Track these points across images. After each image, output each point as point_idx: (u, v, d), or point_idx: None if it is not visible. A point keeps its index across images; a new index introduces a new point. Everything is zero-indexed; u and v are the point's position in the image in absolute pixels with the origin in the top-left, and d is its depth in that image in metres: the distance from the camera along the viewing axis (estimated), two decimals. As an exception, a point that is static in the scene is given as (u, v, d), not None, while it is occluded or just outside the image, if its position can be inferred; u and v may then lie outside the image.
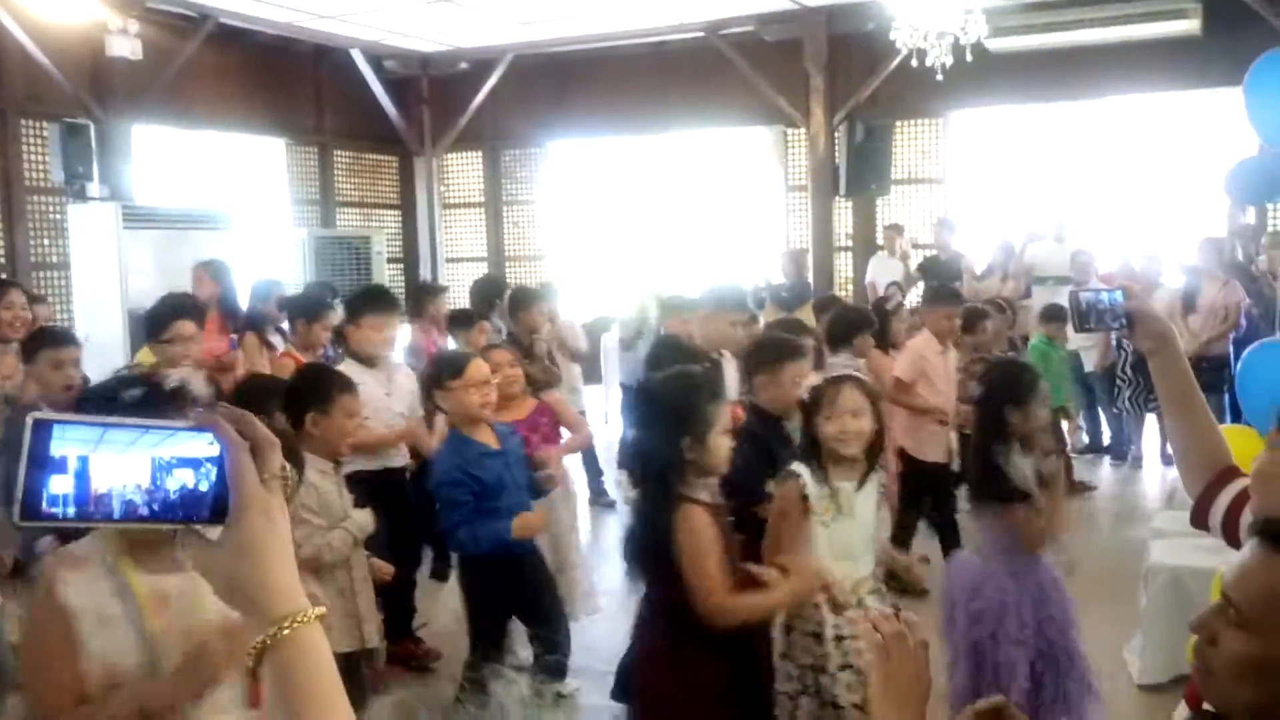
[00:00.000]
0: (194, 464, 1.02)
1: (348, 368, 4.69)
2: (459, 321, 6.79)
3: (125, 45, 9.55)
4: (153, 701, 1.91)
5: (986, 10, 8.86)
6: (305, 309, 5.93)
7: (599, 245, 14.03)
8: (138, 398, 1.91)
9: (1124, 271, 9.06)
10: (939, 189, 12.31)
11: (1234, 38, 9.07)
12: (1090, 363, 8.99)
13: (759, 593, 2.94)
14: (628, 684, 3.43)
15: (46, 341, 4.51)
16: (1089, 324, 2.19)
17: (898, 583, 5.51)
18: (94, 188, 10.15)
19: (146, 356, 5.32)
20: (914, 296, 10.68)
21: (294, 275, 12.04)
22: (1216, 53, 9.50)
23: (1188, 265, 9.00)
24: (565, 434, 5.17)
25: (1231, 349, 8.20)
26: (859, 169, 11.73)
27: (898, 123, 12.08)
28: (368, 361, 4.98)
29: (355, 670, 3.36)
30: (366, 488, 4.12)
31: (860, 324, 5.93)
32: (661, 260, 12.49)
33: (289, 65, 12.81)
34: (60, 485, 0.97)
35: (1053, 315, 8.30)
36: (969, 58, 8.84)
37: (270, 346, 6.35)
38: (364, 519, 3.61)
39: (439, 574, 5.66)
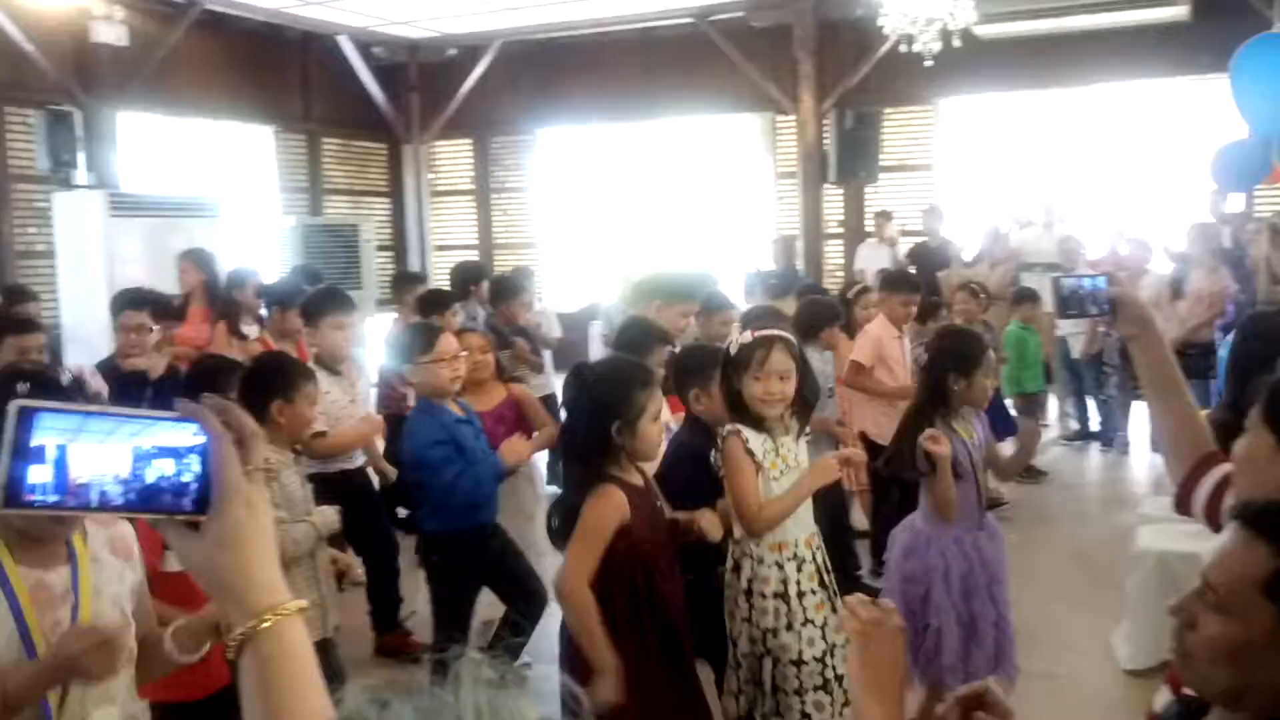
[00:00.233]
0: (176, 454, 1.02)
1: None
2: (430, 304, 6.69)
3: (110, 32, 9.52)
4: (10, 686, 1.88)
5: (974, -4, 8.86)
6: (279, 297, 5.89)
7: (588, 233, 14.01)
8: (25, 392, 1.88)
9: (1112, 258, 9.07)
10: (928, 176, 12.31)
11: (1223, 24, 9.07)
12: (1077, 349, 9.02)
13: (599, 628, 2.89)
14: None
15: (10, 329, 4.55)
16: (1072, 310, 2.19)
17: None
18: (79, 175, 10.11)
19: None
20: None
21: (282, 263, 12.02)
22: (1205, 39, 9.51)
23: (1176, 251, 9.02)
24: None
25: (1219, 335, 8.22)
26: (848, 156, 11.74)
27: (887, 109, 12.08)
28: (331, 366, 4.92)
29: (328, 656, 3.38)
30: (327, 488, 4.11)
31: (826, 317, 5.91)
32: (649, 248, 12.48)
33: (276, 52, 12.75)
34: (41, 471, 0.97)
35: (1024, 296, 8.34)
36: (957, 44, 8.84)
37: (241, 335, 6.34)
38: (330, 516, 3.60)
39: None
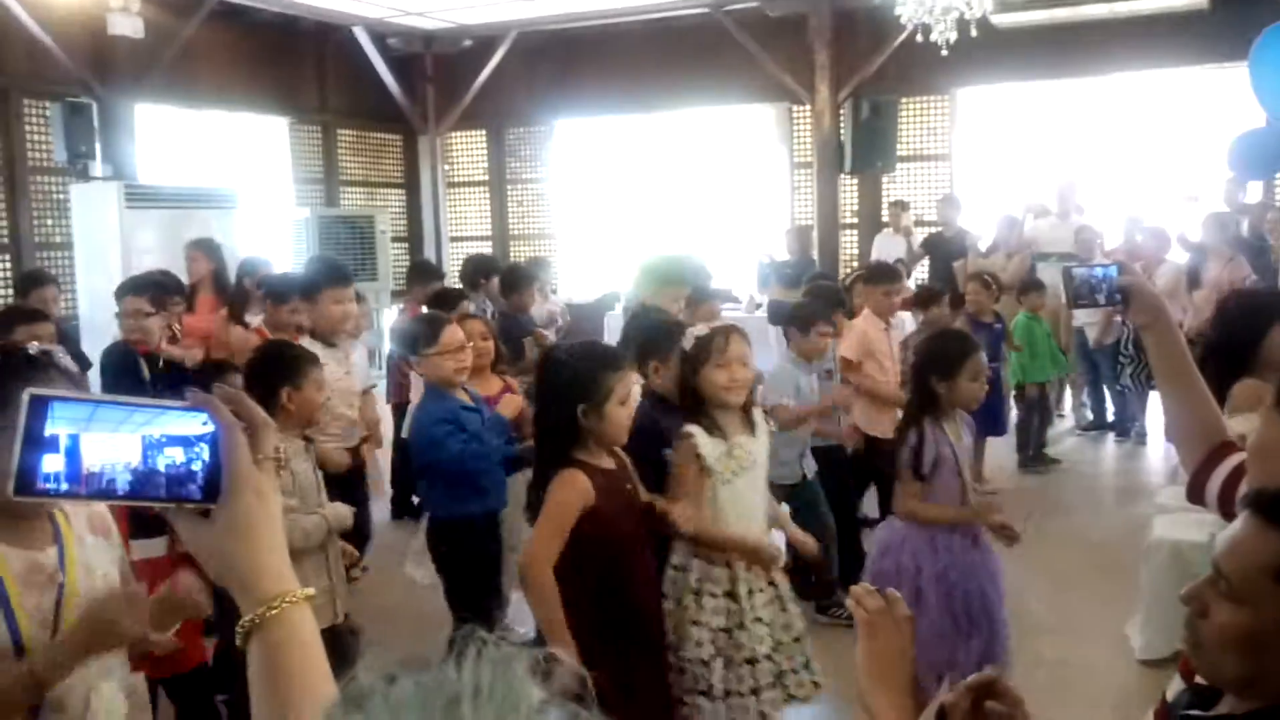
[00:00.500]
0: (186, 443, 1.03)
1: (308, 345, 4.64)
2: (440, 304, 6.67)
3: (127, 24, 9.54)
4: (40, 667, 1.88)
5: (992, -15, 8.81)
6: (275, 289, 5.87)
7: (603, 224, 14.01)
8: None
9: (1128, 248, 9.03)
10: (945, 166, 12.27)
11: (1241, 12, 9.00)
12: (1093, 339, 8.98)
13: (558, 608, 2.90)
14: None
15: (21, 318, 4.65)
16: (1084, 299, 2.18)
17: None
18: (96, 167, 10.16)
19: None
20: (919, 274, 10.69)
21: (298, 255, 12.05)
22: (1224, 27, 9.44)
23: (1193, 241, 8.97)
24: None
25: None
26: (864, 146, 11.70)
27: (903, 99, 12.03)
28: (327, 340, 4.94)
29: (339, 643, 3.40)
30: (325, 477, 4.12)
31: (821, 307, 5.80)
32: (664, 239, 12.46)
33: (291, 43, 12.78)
34: (53, 460, 0.98)
35: (1030, 286, 8.32)
36: (974, 33, 8.79)
37: (244, 323, 6.36)
38: (343, 512, 3.62)
39: None
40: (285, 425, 3.50)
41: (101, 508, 2.09)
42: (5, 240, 10.27)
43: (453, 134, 14.46)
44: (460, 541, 4.09)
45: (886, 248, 10.87)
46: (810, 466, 5.17)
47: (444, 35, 13.21)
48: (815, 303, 5.77)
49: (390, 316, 11.37)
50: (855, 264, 12.03)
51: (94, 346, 4.97)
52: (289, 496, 3.42)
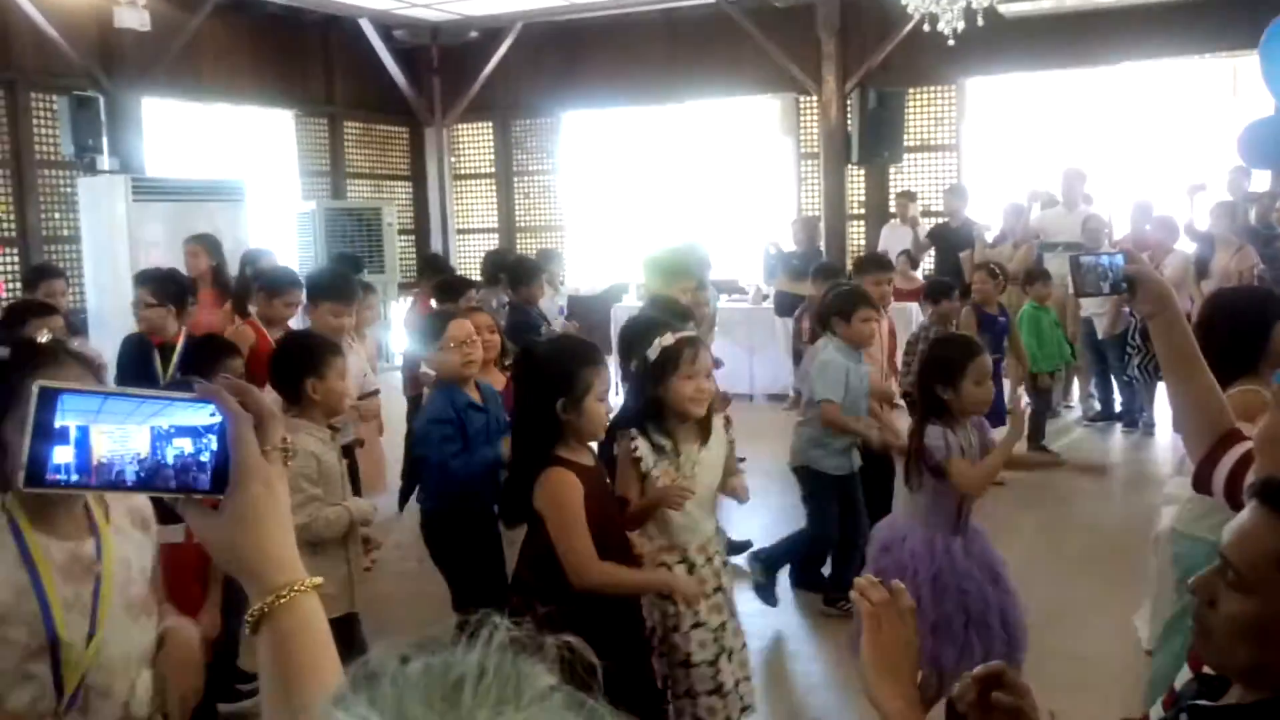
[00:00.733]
0: (195, 434, 1.04)
1: None
2: (447, 291, 6.69)
3: (133, 17, 9.55)
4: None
5: (999, -26, 8.79)
6: (269, 284, 5.85)
7: (610, 215, 14.00)
8: (4, 357, 1.89)
9: (1136, 237, 9.00)
10: (951, 156, 12.25)
11: (1251, 1, 8.97)
12: (1101, 329, 8.96)
13: (629, 571, 3.00)
14: None
15: (33, 313, 4.74)
16: (1089, 288, 2.18)
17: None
18: (104, 160, 10.18)
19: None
20: (925, 264, 10.67)
21: (304, 248, 12.07)
22: (1234, 16, 9.40)
23: (1201, 231, 8.94)
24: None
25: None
26: (871, 136, 11.68)
27: (910, 89, 12.01)
28: None
29: (352, 631, 3.41)
30: None
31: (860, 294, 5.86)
32: (671, 230, 12.45)
33: (298, 36, 12.79)
34: (63, 452, 0.98)
35: (1034, 276, 8.30)
36: (981, 23, 8.76)
37: (246, 316, 6.36)
38: (366, 508, 3.63)
39: None
40: (311, 416, 3.51)
41: (142, 501, 2.10)
42: (13, 233, 10.30)
43: (459, 126, 14.46)
44: (445, 532, 4.07)
45: (893, 238, 10.86)
46: (857, 461, 5.20)
47: (450, 27, 13.20)
48: (849, 290, 5.70)
49: (398, 309, 11.39)
50: (862, 254, 12.03)
51: (102, 339, 4.99)
52: (314, 485, 3.43)
